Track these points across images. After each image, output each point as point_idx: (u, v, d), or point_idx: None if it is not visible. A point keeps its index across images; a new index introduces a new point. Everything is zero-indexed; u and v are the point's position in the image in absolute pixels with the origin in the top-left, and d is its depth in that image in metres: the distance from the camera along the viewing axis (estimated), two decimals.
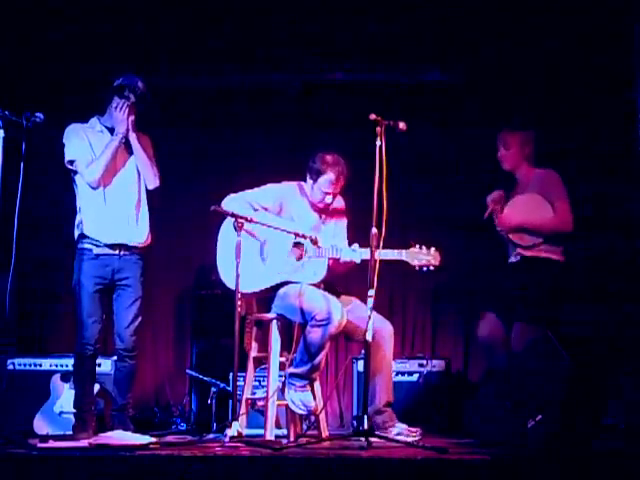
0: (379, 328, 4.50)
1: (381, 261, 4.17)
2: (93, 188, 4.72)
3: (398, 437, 4.39)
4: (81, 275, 4.72)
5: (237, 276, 4.24)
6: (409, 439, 4.39)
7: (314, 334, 4.40)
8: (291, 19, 6.03)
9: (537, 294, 4.74)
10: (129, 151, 4.81)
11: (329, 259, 4.55)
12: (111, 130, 4.78)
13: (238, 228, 4.30)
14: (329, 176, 4.61)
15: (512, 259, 4.97)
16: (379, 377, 4.56)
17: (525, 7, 5.82)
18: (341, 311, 4.42)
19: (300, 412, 4.51)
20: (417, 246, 4.48)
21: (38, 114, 4.28)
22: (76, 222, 4.79)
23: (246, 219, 4.36)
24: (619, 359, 5.07)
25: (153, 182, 4.83)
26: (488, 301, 5.00)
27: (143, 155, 4.79)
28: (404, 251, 4.47)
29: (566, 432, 4.16)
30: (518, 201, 4.92)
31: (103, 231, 4.72)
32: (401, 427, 4.53)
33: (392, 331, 4.64)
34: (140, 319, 4.82)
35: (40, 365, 5.70)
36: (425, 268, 4.49)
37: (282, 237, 4.58)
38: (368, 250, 4.22)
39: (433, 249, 4.50)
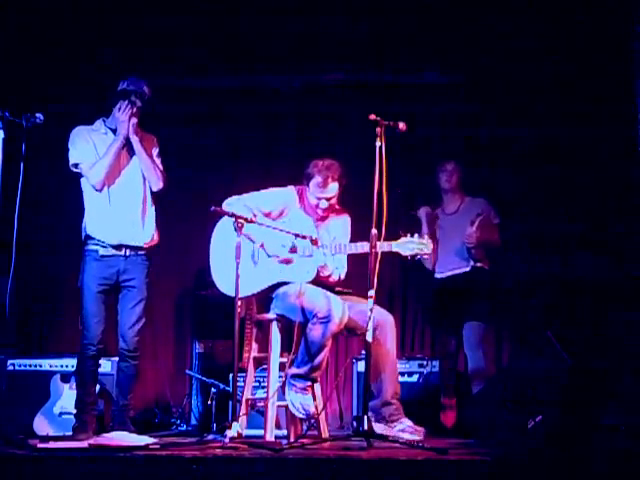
0: (380, 321, 4.49)
1: (380, 261, 4.15)
2: (97, 190, 4.72)
3: (400, 434, 4.39)
4: (86, 276, 4.72)
5: (237, 277, 4.23)
6: (412, 437, 4.38)
7: (315, 332, 4.39)
8: (291, 19, 6.03)
9: (483, 298, 5.61)
10: (133, 152, 4.80)
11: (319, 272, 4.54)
12: (115, 132, 4.78)
13: (238, 229, 4.29)
14: (317, 180, 4.62)
15: (460, 270, 5.70)
16: (384, 369, 4.53)
17: (525, 7, 5.82)
18: (342, 309, 4.41)
19: (299, 415, 4.49)
20: (407, 235, 4.43)
21: (38, 115, 4.27)
22: (83, 224, 4.79)
23: (246, 219, 4.35)
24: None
25: (156, 184, 4.82)
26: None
27: (145, 157, 4.79)
28: (393, 242, 4.40)
29: (566, 432, 4.16)
30: (480, 222, 5.57)
31: (107, 232, 4.72)
32: (406, 423, 4.51)
33: (393, 322, 4.62)
34: (144, 320, 4.81)
35: (40, 366, 5.71)
36: (418, 257, 4.46)
37: (279, 239, 4.57)
38: (365, 244, 4.22)
39: (426, 236, 4.46)
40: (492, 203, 5.81)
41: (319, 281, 4.58)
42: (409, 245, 4.41)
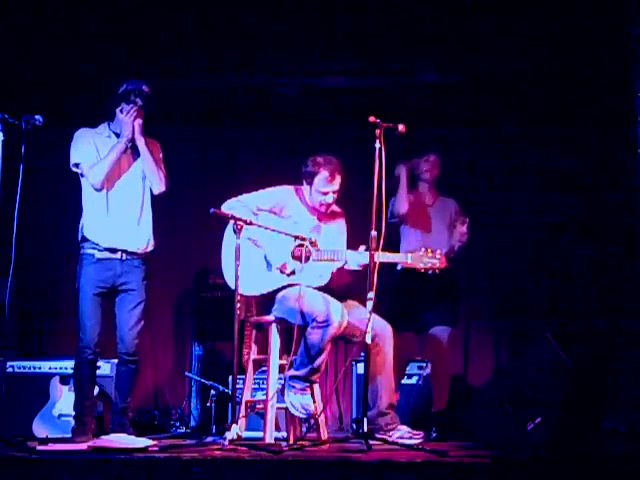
0: (379, 330, 4.50)
1: (381, 263, 4.18)
2: (97, 190, 4.71)
3: (399, 440, 4.39)
4: (82, 279, 4.71)
5: (236, 278, 4.24)
6: (411, 442, 4.38)
7: (314, 336, 4.39)
8: (291, 20, 6.03)
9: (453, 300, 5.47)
10: (135, 156, 4.79)
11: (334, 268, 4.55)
12: (119, 135, 4.77)
13: (237, 231, 4.30)
14: (323, 174, 4.63)
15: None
16: (381, 379, 4.54)
17: (525, 7, 5.82)
18: (341, 312, 4.41)
19: (300, 415, 4.50)
20: (422, 250, 4.51)
21: (37, 117, 4.26)
22: (80, 225, 4.79)
23: (245, 222, 4.35)
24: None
25: (159, 187, 4.81)
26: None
27: (150, 159, 4.78)
28: (409, 255, 4.51)
29: (566, 435, 4.16)
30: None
31: (103, 235, 4.71)
32: (403, 430, 4.52)
33: (392, 333, 4.63)
34: (143, 323, 4.80)
35: (39, 368, 5.70)
36: (430, 271, 4.51)
37: (284, 240, 4.57)
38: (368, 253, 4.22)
39: (438, 252, 4.52)
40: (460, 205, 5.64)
41: (330, 287, 4.58)
42: (423, 259, 4.51)
